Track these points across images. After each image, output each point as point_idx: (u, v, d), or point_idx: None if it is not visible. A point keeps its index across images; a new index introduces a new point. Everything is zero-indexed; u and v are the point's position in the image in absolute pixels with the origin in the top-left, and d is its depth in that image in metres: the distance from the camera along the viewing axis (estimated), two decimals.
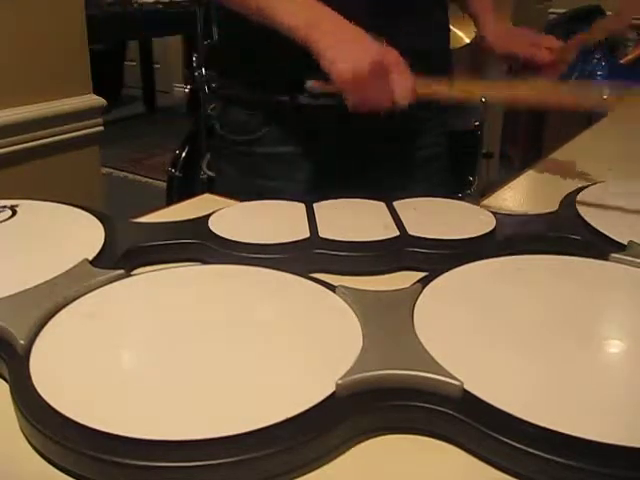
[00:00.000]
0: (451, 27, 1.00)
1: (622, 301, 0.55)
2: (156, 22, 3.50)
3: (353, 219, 0.69)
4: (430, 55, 0.90)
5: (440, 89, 0.72)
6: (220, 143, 0.97)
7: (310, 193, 0.78)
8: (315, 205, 0.71)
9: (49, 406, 0.39)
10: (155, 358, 0.45)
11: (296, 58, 0.83)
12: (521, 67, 0.91)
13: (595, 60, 2.73)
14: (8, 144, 1.33)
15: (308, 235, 0.63)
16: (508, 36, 0.94)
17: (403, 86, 0.68)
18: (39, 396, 0.40)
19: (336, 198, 0.73)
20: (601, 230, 0.65)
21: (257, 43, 0.86)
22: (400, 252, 0.62)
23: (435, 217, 0.70)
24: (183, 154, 2.28)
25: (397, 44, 0.78)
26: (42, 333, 0.46)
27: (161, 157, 3.57)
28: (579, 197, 0.74)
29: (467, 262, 0.57)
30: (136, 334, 0.48)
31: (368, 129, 0.89)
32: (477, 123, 2.01)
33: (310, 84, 0.76)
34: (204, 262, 0.62)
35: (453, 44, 1.13)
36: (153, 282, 0.55)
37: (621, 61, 2.69)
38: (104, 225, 0.65)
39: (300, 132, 0.89)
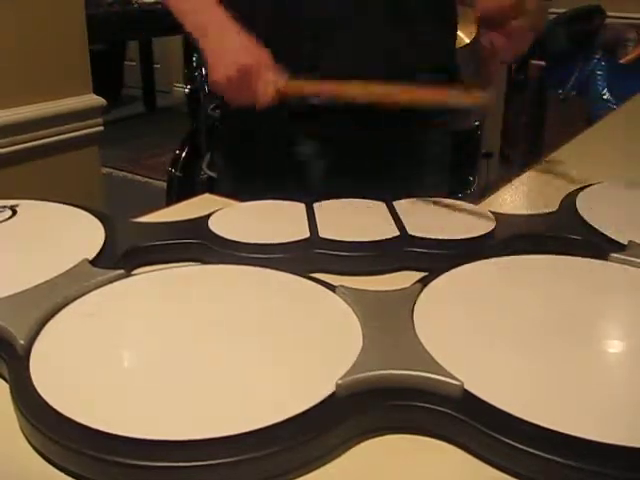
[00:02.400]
0: None
1: (622, 301, 0.55)
2: (156, 22, 3.50)
3: (353, 219, 0.69)
4: (430, 73, 0.90)
5: (305, 88, 0.78)
6: (223, 144, 0.97)
7: (315, 194, 0.78)
8: (315, 205, 0.71)
9: (49, 406, 0.39)
10: (155, 358, 0.45)
11: (298, 58, 0.83)
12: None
13: (595, 60, 2.73)
14: (8, 144, 1.33)
15: (308, 235, 0.63)
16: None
17: (264, 89, 0.76)
18: (39, 396, 0.40)
19: (336, 198, 0.73)
20: (601, 230, 0.65)
21: (263, 42, 0.86)
22: (400, 252, 0.62)
23: (435, 217, 0.70)
24: (183, 154, 2.28)
25: (396, 63, 0.80)
26: (42, 333, 0.46)
27: (161, 157, 3.57)
28: (579, 197, 0.74)
29: (467, 262, 0.57)
30: (136, 334, 0.48)
31: (369, 130, 0.89)
32: (477, 123, 2.01)
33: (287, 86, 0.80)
34: (204, 262, 0.62)
35: None
36: (153, 282, 0.55)
37: (621, 61, 2.69)
38: (104, 225, 0.65)
39: (304, 133, 0.89)
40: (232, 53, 0.77)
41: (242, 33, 0.78)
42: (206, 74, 2.26)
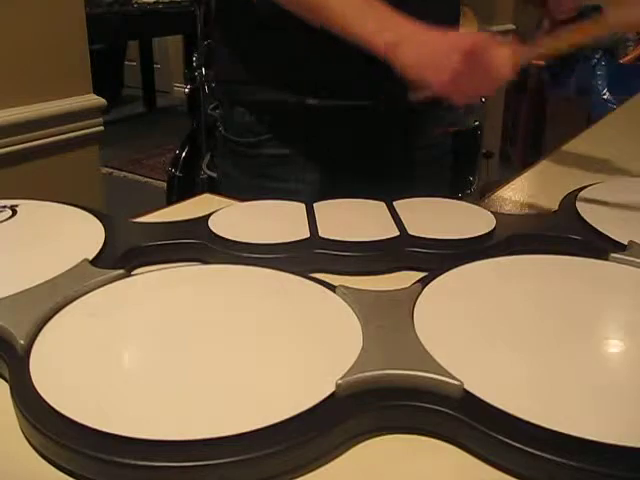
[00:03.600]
0: None
1: (622, 301, 0.55)
2: (156, 22, 3.50)
3: (353, 219, 0.69)
4: None
5: (538, 49, 0.71)
6: (225, 145, 0.97)
7: (315, 194, 0.78)
8: (315, 205, 0.71)
9: (49, 406, 0.39)
10: (155, 358, 0.45)
11: (304, 59, 0.83)
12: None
13: (595, 60, 2.73)
14: (8, 144, 1.33)
15: (308, 235, 0.63)
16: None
17: (504, 61, 0.66)
18: (39, 396, 0.40)
19: (336, 198, 0.73)
20: (601, 230, 0.65)
21: (264, 45, 0.86)
22: (400, 252, 0.62)
23: (435, 217, 0.70)
24: (183, 154, 2.28)
25: None
26: (42, 333, 0.46)
27: (161, 157, 3.58)
28: (579, 197, 0.74)
29: (467, 262, 0.57)
30: (136, 334, 0.48)
31: (371, 130, 0.89)
32: (477, 123, 2.01)
33: (414, 98, 0.72)
34: (204, 262, 0.62)
35: None
36: (153, 282, 0.55)
37: (621, 61, 2.69)
38: (104, 225, 0.65)
39: (306, 133, 0.89)
40: (443, 47, 0.68)
41: (427, 28, 0.69)
42: (206, 74, 2.26)
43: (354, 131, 0.88)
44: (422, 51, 0.68)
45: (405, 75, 0.68)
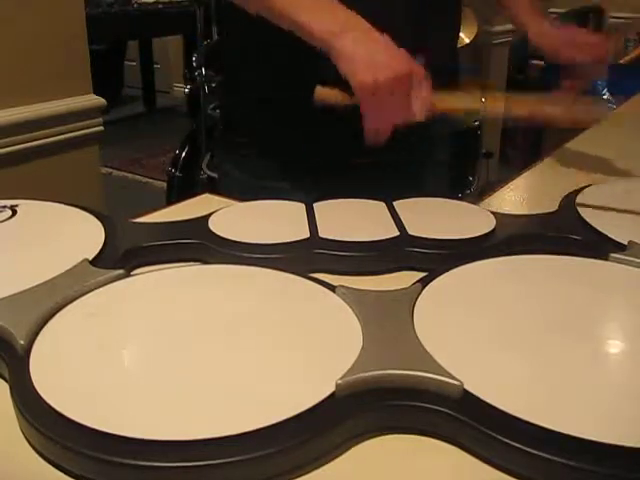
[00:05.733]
0: None
1: (622, 301, 0.55)
2: (156, 22, 3.51)
3: (353, 219, 0.69)
4: (438, 53, 0.89)
5: (458, 103, 0.72)
6: (225, 145, 0.97)
7: (315, 194, 0.78)
8: (315, 205, 0.71)
9: (49, 406, 0.39)
10: (155, 358, 0.45)
11: (305, 61, 0.83)
12: (566, 70, 0.88)
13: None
14: (8, 144, 1.33)
15: (308, 235, 0.63)
16: (550, 37, 0.89)
17: (423, 102, 0.67)
18: (39, 396, 0.40)
19: (336, 198, 0.73)
20: (601, 230, 0.65)
21: (265, 45, 0.86)
22: (400, 252, 0.62)
23: (435, 217, 0.70)
24: (183, 154, 2.28)
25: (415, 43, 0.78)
26: (42, 333, 0.46)
27: (161, 157, 3.57)
28: (579, 197, 0.74)
29: (467, 262, 0.57)
30: (136, 334, 0.48)
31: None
32: (477, 123, 2.01)
33: (319, 93, 0.73)
34: (204, 262, 0.62)
35: None
36: (153, 282, 0.55)
37: (621, 61, 2.70)
38: (104, 225, 0.65)
39: (306, 133, 0.89)
40: (386, 57, 0.67)
41: (386, 38, 0.68)
42: (206, 74, 2.26)
43: (354, 131, 0.88)
44: (363, 46, 0.67)
45: (341, 67, 0.67)
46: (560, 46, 0.87)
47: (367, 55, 0.66)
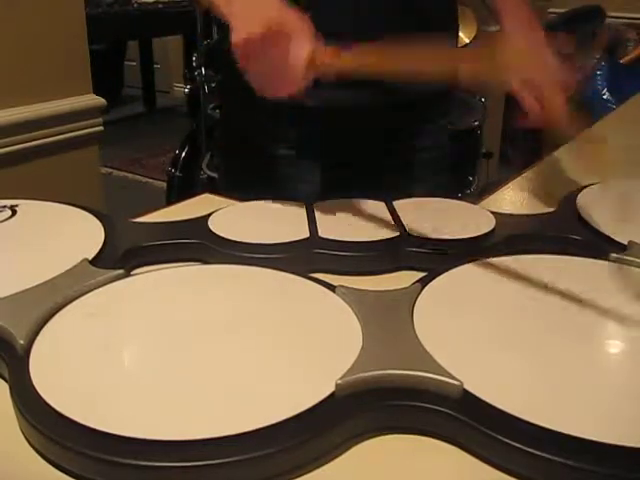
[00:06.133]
0: None
1: (622, 301, 0.55)
2: (156, 22, 3.50)
3: (353, 219, 0.69)
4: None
5: (346, 62, 0.60)
6: (225, 145, 0.97)
7: (315, 194, 0.78)
8: (315, 205, 0.71)
9: (49, 406, 0.39)
10: (155, 358, 0.45)
11: None
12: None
13: (595, 60, 2.73)
14: (8, 144, 1.33)
15: (308, 235, 0.63)
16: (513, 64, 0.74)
17: (295, 58, 0.58)
18: (39, 396, 0.40)
19: (336, 198, 0.73)
20: (601, 230, 0.65)
21: None
22: (400, 252, 0.62)
23: (435, 217, 0.70)
24: (183, 154, 2.28)
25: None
26: (42, 333, 0.46)
27: (161, 157, 3.57)
28: (579, 197, 0.74)
29: (467, 262, 0.57)
30: (136, 334, 0.48)
31: (370, 130, 0.89)
32: (477, 123, 2.00)
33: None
34: (204, 262, 0.62)
35: None
36: (153, 282, 0.55)
37: (621, 61, 2.69)
38: (104, 225, 0.65)
39: (305, 133, 0.89)
40: (260, 7, 0.60)
41: None
42: (206, 74, 2.26)
43: (354, 131, 0.88)
44: (239, 3, 0.61)
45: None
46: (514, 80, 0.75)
47: (241, 10, 0.60)
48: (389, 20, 0.83)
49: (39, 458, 0.39)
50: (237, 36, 0.58)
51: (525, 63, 0.71)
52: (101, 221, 0.67)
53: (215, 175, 1.92)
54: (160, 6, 3.43)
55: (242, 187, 0.91)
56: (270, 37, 0.57)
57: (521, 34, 0.79)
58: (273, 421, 0.37)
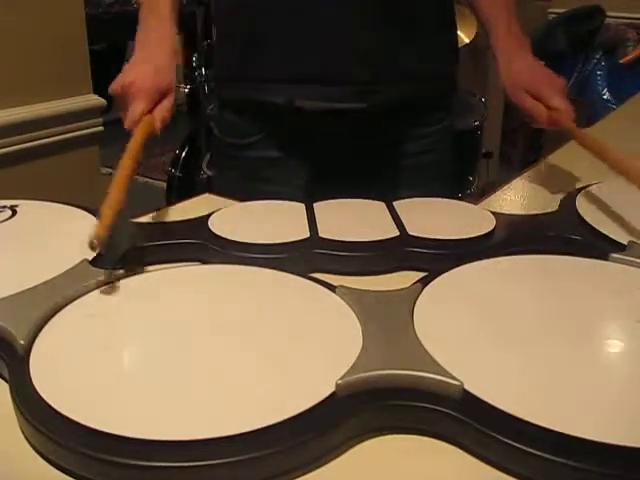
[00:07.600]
0: None
1: (622, 301, 0.55)
2: None
3: (353, 219, 0.69)
4: (432, 78, 0.89)
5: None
6: (217, 145, 0.97)
7: (309, 196, 0.78)
8: (315, 205, 0.71)
9: (49, 406, 0.39)
10: (155, 358, 0.45)
11: (293, 62, 0.83)
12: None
13: (595, 60, 2.73)
14: (8, 144, 1.33)
15: (308, 235, 0.63)
16: (518, 81, 0.81)
17: (131, 113, 0.74)
18: (39, 396, 0.40)
19: (335, 198, 0.73)
20: (601, 230, 0.65)
21: (254, 44, 0.86)
22: (400, 252, 0.62)
23: (435, 217, 0.70)
24: (183, 154, 2.28)
25: (395, 66, 0.78)
26: (42, 333, 0.46)
27: (161, 157, 3.57)
28: (579, 197, 0.74)
29: (467, 262, 0.57)
30: (136, 334, 0.48)
31: (365, 132, 0.88)
32: (477, 123, 2.01)
33: None
34: (204, 262, 0.62)
35: None
36: (153, 282, 0.55)
37: (621, 61, 2.69)
38: None
39: (295, 136, 0.89)
40: (134, 65, 0.78)
41: (164, 51, 0.80)
42: (206, 74, 2.27)
43: (349, 133, 0.88)
44: (137, 53, 0.81)
45: None
46: (519, 92, 0.81)
47: (130, 64, 0.79)
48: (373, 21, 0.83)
49: (39, 458, 0.39)
50: (116, 80, 0.77)
51: None
52: None
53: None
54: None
55: (233, 188, 0.91)
56: (126, 91, 0.75)
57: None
58: (273, 421, 0.37)
